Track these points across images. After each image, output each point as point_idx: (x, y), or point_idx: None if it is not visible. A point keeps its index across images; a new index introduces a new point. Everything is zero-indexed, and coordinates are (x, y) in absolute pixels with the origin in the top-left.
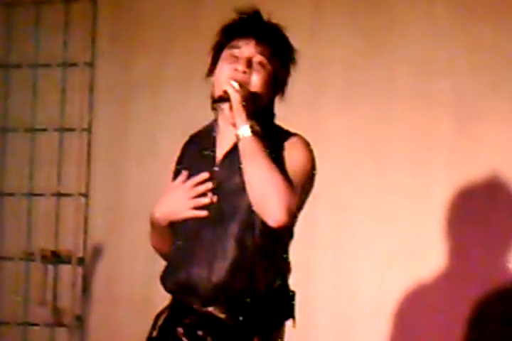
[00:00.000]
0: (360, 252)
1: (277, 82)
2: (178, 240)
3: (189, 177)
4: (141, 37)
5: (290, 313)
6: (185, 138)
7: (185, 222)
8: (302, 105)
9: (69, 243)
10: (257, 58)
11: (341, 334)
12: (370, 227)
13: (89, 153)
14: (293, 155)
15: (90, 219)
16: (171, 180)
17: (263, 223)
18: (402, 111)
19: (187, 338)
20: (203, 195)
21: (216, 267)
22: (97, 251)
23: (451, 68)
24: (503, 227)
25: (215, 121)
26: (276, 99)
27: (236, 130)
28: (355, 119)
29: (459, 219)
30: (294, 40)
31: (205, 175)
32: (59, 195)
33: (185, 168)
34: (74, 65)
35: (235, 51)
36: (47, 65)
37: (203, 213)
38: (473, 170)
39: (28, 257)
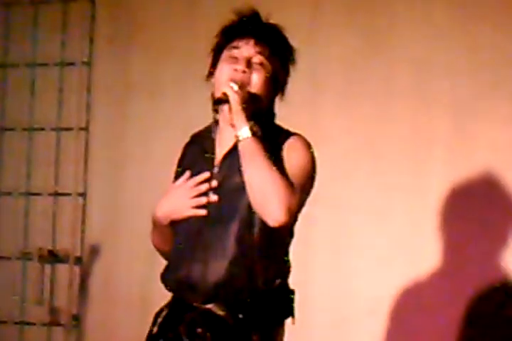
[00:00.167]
0: (358, 251)
1: (277, 82)
2: (179, 239)
3: (190, 177)
4: (139, 37)
5: (290, 311)
6: (187, 139)
7: (186, 220)
8: (301, 104)
9: (66, 242)
10: (257, 58)
11: (339, 333)
12: (367, 226)
13: (86, 153)
14: (292, 155)
15: (88, 218)
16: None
17: (263, 222)
18: (401, 110)
19: (187, 335)
20: (204, 194)
21: (216, 265)
22: (95, 251)
23: (449, 68)
24: (499, 225)
25: (216, 122)
26: (277, 99)
27: (235, 131)
28: (353, 118)
29: (456, 217)
30: (293, 40)
31: (206, 174)
32: (56, 194)
33: (186, 169)
34: (72, 64)
35: (235, 52)
36: (45, 65)
37: (204, 212)
38: (471, 169)
39: (25, 256)
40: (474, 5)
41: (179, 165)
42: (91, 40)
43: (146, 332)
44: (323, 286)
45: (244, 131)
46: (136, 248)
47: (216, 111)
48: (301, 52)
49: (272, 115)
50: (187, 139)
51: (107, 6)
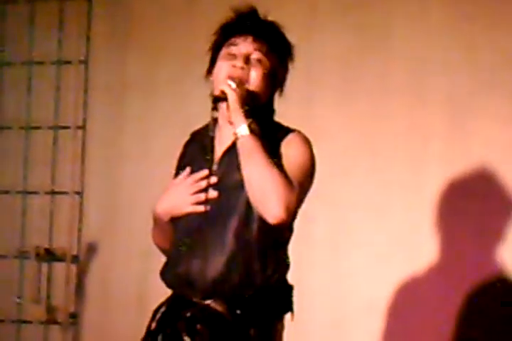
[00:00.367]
0: (356, 248)
1: (276, 79)
2: (178, 235)
3: (190, 174)
4: (136, 35)
5: (289, 307)
6: (184, 137)
7: (186, 217)
8: (297, 102)
9: (63, 241)
10: (255, 55)
11: (337, 330)
12: (365, 223)
13: (83, 151)
14: (291, 152)
15: (84, 217)
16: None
17: (262, 219)
18: (397, 107)
19: (185, 331)
20: (204, 191)
21: (215, 261)
22: (91, 249)
23: (445, 65)
24: (496, 222)
25: (215, 119)
26: (276, 96)
27: (234, 129)
28: (350, 116)
29: (453, 213)
30: (289, 38)
31: (205, 171)
32: (53, 193)
33: (186, 166)
34: (68, 62)
35: (233, 49)
36: (41, 63)
37: (203, 208)
38: (468, 166)
39: (22, 255)
40: (470, 2)
41: (179, 162)
42: (88, 39)
43: (144, 329)
44: (321, 283)
45: (243, 129)
46: (133, 246)
47: (215, 108)
48: (297, 50)
49: (271, 112)
50: (184, 137)
51: (103, 4)
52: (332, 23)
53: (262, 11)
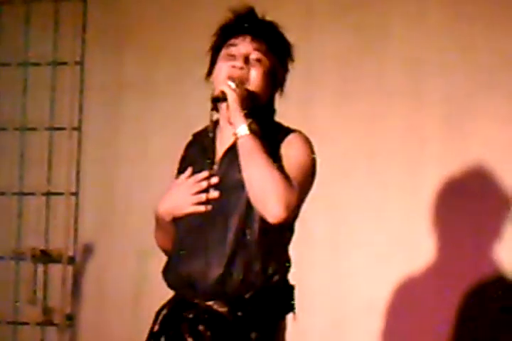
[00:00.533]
0: (354, 248)
1: (276, 78)
2: (180, 235)
3: (191, 175)
4: (132, 36)
5: (290, 307)
6: (180, 138)
7: (187, 217)
8: (295, 103)
9: (59, 242)
10: (254, 55)
11: (336, 331)
12: (364, 223)
13: (79, 152)
14: (291, 152)
15: (80, 218)
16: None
17: (262, 219)
18: (395, 108)
19: (188, 333)
20: (205, 191)
21: (216, 262)
22: (88, 250)
23: (443, 66)
24: (493, 222)
25: (215, 120)
26: (277, 96)
27: (234, 129)
28: (347, 117)
29: (451, 214)
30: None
31: (207, 172)
32: (49, 194)
33: (187, 167)
34: (64, 63)
35: (232, 49)
36: (37, 64)
37: (204, 208)
38: (465, 166)
39: (18, 256)
40: (468, 3)
41: (181, 163)
42: (83, 40)
43: (139, 330)
44: (320, 284)
45: (242, 129)
46: (129, 247)
47: (215, 109)
48: (295, 51)
49: (272, 112)
50: (181, 138)
51: (99, 4)
52: (330, 23)
53: (259, 12)
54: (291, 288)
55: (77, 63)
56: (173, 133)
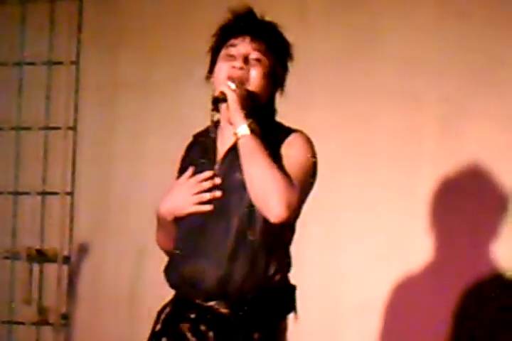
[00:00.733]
0: (348, 248)
1: (276, 78)
2: (181, 235)
3: (193, 175)
4: (127, 35)
5: (292, 307)
6: (176, 138)
7: (189, 217)
8: (288, 103)
9: (54, 241)
10: (254, 54)
11: (330, 331)
12: (359, 223)
13: (74, 152)
14: (292, 152)
15: (76, 217)
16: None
17: (264, 218)
18: (389, 108)
19: (191, 333)
20: (207, 191)
21: (217, 262)
22: (83, 250)
23: (437, 66)
24: (490, 221)
25: (216, 121)
26: (277, 96)
27: (234, 129)
28: (341, 116)
29: (447, 213)
30: None
31: (209, 173)
32: (44, 193)
33: (188, 167)
34: (59, 63)
35: (232, 50)
36: (32, 64)
37: (206, 208)
38: (460, 165)
39: (14, 256)
40: (460, 2)
41: (182, 164)
42: (79, 39)
43: (134, 330)
44: (314, 285)
45: (243, 129)
46: (125, 247)
47: (216, 110)
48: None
49: (272, 112)
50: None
51: (94, 4)
52: (323, 23)
53: (256, 12)
54: (293, 287)
55: (72, 63)
56: (168, 132)
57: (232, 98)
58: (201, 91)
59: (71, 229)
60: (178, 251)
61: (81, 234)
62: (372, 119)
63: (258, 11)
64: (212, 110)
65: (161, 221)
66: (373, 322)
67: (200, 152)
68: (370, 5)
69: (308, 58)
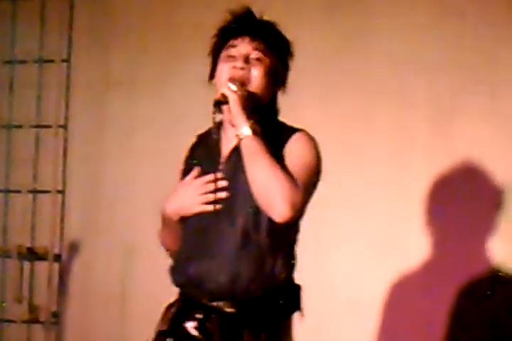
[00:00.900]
0: (341, 247)
1: (277, 77)
2: (187, 235)
3: (198, 176)
4: (119, 33)
5: (297, 306)
6: (169, 137)
7: (194, 217)
8: (280, 102)
9: (45, 239)
10: (254, 54)
11: (323, 329)
12: (351, 222)
13: (65, 150)
14: (296, 152)
15: (67, 215)
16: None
17: (269, 219)
18: (381, 107)
19: (198, 332)
20: (213, 191)
21: (223, 262)
22: (74, 248)
23: (429, 65)
24: (482, 220)
25: (219, 122)
26: (280, 95)
27: (236, 130)
28: (333, 115)
29: (439, 212)
30: None
31: (216, 174)
32: (35, 191)
33: (193, 168)
34: (51, 61)
35: (232, 50)
36: (23, 62)
37: (212, 208)
38: (451, 164)
39: (4, 254)
40: (454, 2)
41: (186, 164)
42: (70, 38)
43: (125, 328)
44: (307, 283)
45: (245, 130)
46: (116, 245)
47: (218, 111)
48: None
49: (275, 111)
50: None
51: (85, 2)
52: (316, 22)
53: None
54: (298, 287)
55: (63, 61)
56: (158, 131)
57: (234, 100)
58: (192, 90)
59: (62, 228)
60: (185, 251)
61: (72, 232)
62: (366, 119)
63: (256, 11)
64: (214, 112)
65: (166, 221)
66: (367, 321)
67: (204, 152)
68: (366, 4)
69: (299, 57)
